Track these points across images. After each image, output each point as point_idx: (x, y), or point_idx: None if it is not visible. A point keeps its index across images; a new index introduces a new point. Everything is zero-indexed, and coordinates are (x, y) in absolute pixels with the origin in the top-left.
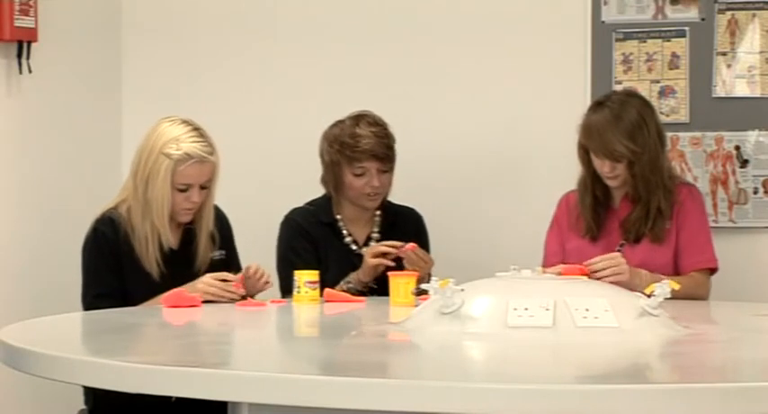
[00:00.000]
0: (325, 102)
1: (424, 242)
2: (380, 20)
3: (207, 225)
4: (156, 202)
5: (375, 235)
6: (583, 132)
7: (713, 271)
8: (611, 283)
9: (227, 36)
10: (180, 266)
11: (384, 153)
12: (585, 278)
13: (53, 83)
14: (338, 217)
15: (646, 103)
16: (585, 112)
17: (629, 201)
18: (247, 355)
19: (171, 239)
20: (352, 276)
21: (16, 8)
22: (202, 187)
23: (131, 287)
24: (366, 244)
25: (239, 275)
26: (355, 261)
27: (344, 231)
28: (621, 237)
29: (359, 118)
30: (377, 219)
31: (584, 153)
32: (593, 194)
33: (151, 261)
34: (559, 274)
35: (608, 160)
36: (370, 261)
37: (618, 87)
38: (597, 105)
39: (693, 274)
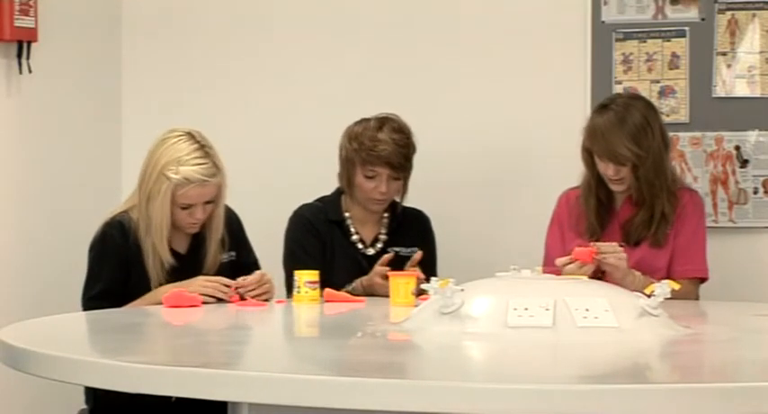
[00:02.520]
0: (327, 101)
1: (430, 245)
2: (381, 20)
3: (216, 235)
4: (155, 221)
5: (382, 236)
6: (587, 135)
7: (703, 280)
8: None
9: (227, 35)
10: (187, 273)
11: (399, 162)
12: (585, 278)
13: (53, 83)
14: (347, 215)
15: (650, 106)
16: (590, 114)
17: (630, 203)
18: (247, 355)
19: (173, 250)
20: (357, 283)
21: (16, 8)
22: (208, 202)
23: (137, 290)
24: (373, 244)
25: (233, 287)
26: (362, 260)
27: (352, 229)
28: (621, 239)
29: (384, 121)
30: (384, 220)
31: (588, 156)
32: (597, 197)
33: (154, 273)
34: (573, 259)
35: (612, 163)
36: (375, 279)
37: (618, 87)
38: (601, 108)
39: (683, 282)
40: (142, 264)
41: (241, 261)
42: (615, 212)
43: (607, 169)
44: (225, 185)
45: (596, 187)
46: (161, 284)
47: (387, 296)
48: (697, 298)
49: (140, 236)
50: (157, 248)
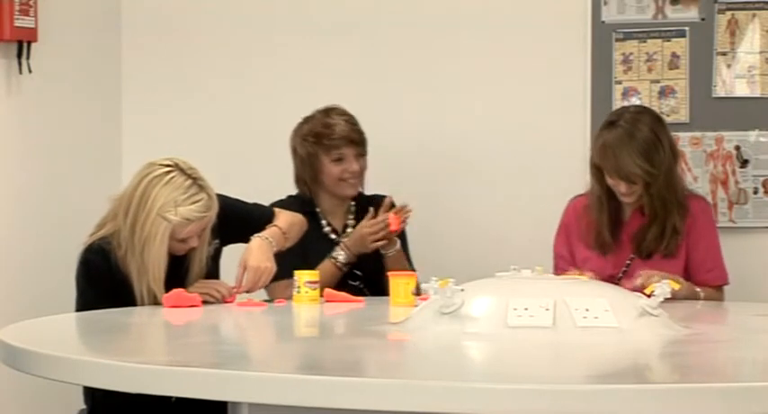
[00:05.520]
0: (326, 99)
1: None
2: (379, 22)
3: (200, 257)
4: (153, 266)
5: (351, 222)
6: (597, 152)
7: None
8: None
9: (226, 34)
10: (168, 286)
11: (358, 138)
12: (585, 278)
13: (53, 83)
14: (317, 210)
15: (657, 119)
16: (598, 130)
17: (639, 214)
18: (247, 355)
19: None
20: (341, 245)
21: (16, 8)
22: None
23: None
24: (344, 232)
25: (230, 289)
26: (333, 247)
27: (323, 222)
28: (632, 250)
29: (328, 110)
30: (352, 208)
31: (597, 171)
32: (608, 212)
33: (140, 303)
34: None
35: (623, 181)
36: (363, 230)
37: (618, 87)
38: (609, 124)
39: (707, 290)
40: (129, 289)
41: (240, 219)
42: (624, 224)
43: (619, 186)
44: (216, 210)
45: (608, 202)
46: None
47: (377, 246)
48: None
49: (125, 267)
50: (153, 291)
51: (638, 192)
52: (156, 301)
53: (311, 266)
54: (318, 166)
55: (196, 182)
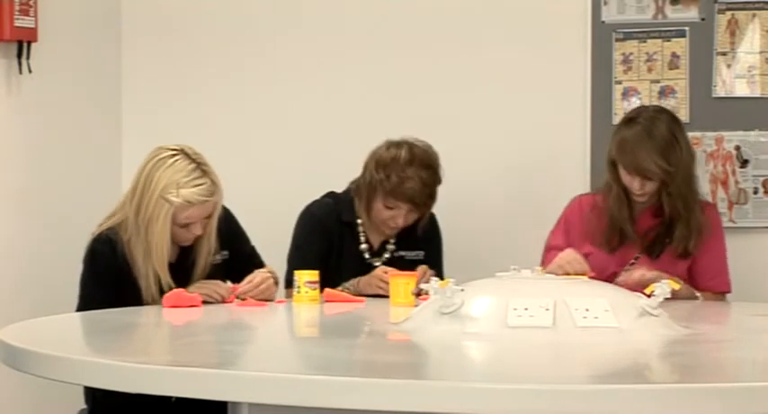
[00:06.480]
0: (326, 99)
1: (435, 244)
2: (380, 21)
3: (207, 245)
4: (156, 246)
5: (390, 246)
6: (615, 148)
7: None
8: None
9: (227, 35)
10: (176, 282)
11: (422, 201)
12: (585, 278)
13: (53, 83)
14: (359, 221)
15: (674, 119)
16: (616, 127)
17: (650, 213)
18: (247, 355)
19: (168, 275)
20: (354, 281)
21: (16, 8)
22: (206, 217)
23: (127, 300)
24: (380, 253)
25: (231, 288)
26: (367, 268)
27: (362, 237)
28: (639, 249)
29: (414, 154)
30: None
31: (614, 168)
32: (628, 208)
33: (148, 294)
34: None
35: (639, 178)
36: (378, 273)
37: (618, 87)
38: (629, 121)
39: (707, 295)
40: (133, 281)
41: (238, 253)
42: (634, 223)
43: (632, 182)
44: (222, 198)
45: (627, 197)
46: (152, 299)
47: (379, 292)
48: None
49: (130, 254)
50: (159, 273)
51: (651, 191)
52: (161, 287)
53: (342, 279)
54: (372, 196)
55: (200, 166)
